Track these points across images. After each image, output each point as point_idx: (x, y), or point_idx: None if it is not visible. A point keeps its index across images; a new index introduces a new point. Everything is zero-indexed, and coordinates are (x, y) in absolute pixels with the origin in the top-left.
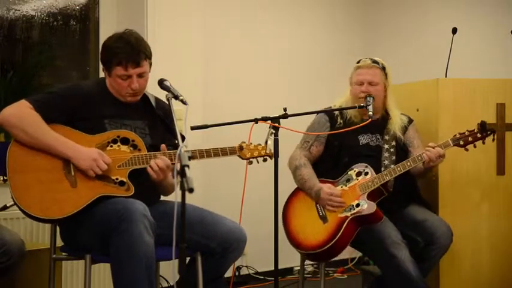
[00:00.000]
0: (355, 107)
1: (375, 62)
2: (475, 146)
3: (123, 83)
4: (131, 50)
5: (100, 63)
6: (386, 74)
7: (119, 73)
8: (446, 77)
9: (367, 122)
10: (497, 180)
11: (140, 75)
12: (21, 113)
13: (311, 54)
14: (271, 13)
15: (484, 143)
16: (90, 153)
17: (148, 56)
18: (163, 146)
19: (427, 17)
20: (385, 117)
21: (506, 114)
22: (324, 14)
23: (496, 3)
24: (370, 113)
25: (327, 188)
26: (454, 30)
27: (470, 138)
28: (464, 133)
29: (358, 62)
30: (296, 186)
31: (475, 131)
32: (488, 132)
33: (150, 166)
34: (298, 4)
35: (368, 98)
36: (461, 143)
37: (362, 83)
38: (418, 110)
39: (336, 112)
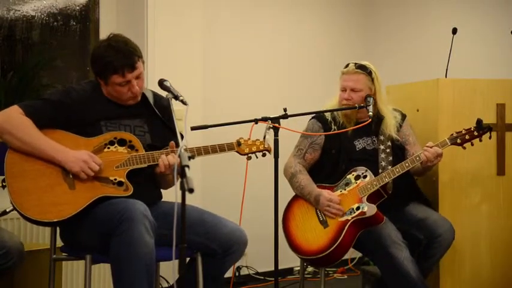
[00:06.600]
0: (355, 107)
1: (360, 67)
2: (472, 144)
3: (122, 89)
4: (124, 56)
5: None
6: (373, 79)
7: (117, 81)
8: (446, 77)
9: (366, 122)
10: (497, 180)
11: (137, 77)
12: (11, 119)
13: (311, 54)
14: (271, 13)
15: (481, 140)
16: (80, 156)
17: (140, 55)
18: (172, 143)
19: (427, 17)
20: (379, 118)
21: (506, 114)
22: (324, 14)
23: (496, 3)
24: (370, 113)
25: (326, 193)
26: (454, 30)
27: (467, 136)
28: (461, 131)
29: (345, 67)
30: None
31: (472, 129)
32: (485, 130)
33: (164, 159)
34: (298, 4)
35: (368, 99)
36: (459, 141)
37: (345, 89)
38: (418, 110)
39: (329, 118)
